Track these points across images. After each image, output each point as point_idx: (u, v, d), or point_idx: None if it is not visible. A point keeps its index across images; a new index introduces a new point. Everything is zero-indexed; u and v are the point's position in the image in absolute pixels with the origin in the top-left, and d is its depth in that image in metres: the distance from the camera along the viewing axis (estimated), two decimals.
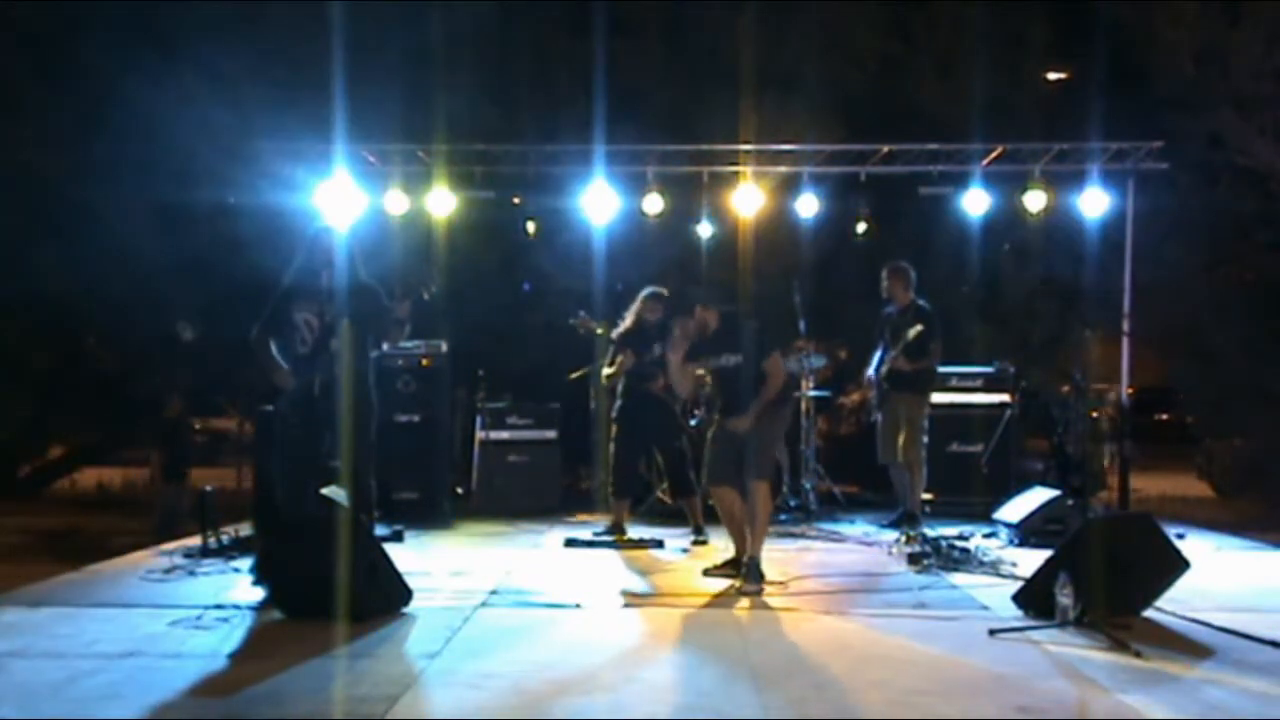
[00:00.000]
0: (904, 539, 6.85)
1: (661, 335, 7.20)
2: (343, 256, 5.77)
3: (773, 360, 5.81)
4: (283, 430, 5.75)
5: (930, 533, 6.83)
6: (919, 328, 7.49)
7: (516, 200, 9.19)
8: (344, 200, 8.60)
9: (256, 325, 5.70)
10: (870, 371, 7.92)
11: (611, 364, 7.31)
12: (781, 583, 5.71)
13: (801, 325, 8.45)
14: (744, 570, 5.66)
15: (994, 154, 8.75)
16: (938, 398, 8.12)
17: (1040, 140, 8.80)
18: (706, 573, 5.97)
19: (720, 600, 5.35)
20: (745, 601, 5.32)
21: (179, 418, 8.04)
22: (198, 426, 14.72)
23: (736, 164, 8.89)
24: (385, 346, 6.25)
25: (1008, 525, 7.11)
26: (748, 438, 5.72)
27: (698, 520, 7.22)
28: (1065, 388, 8.60)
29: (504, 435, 8.78)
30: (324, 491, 5.41)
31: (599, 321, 7.66)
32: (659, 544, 6.99)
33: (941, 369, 8.10)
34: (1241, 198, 9.28)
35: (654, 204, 8.85)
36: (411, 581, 5.15)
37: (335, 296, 5.70)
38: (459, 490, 8.96)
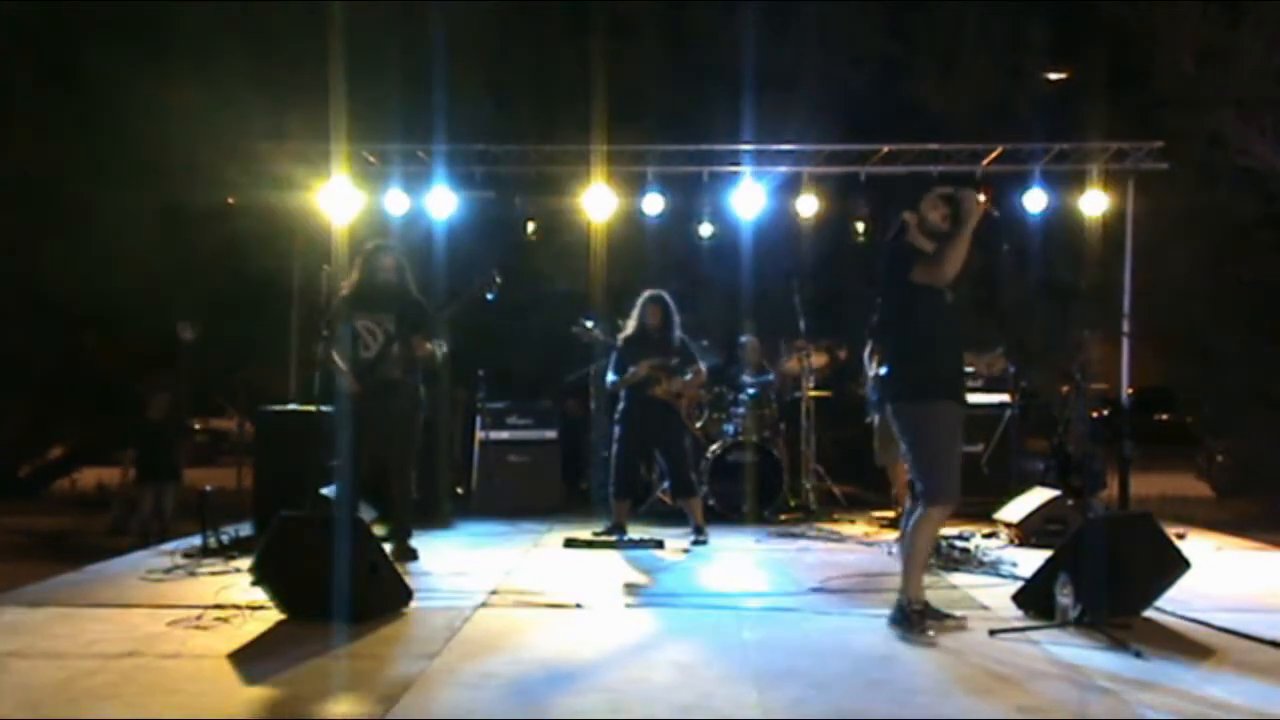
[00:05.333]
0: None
1: (662, 339, 7.20)
2: (397, 270, 6.38)
3: None
4: (343, 429, 6.04)
5: None
6: None
7: (517, 200, 9.19)
8: (344, 200, 8.60)
9: (320, 338, 6.14)
10: (871, 373, 7.90)
11: (619, 371, 7.24)
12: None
13: (801, 325, 8.46)
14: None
15: (994, 154, 8.75)
16: None
17: (1040, 140, 8.80)
18: None
19: (720, 600, 5.34)
20: (745, 602, 5.31)
21: (165, 419, 7.92)
22: (198, 426, 14.71)
23: (736, 164, 8.89)
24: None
25: (1008, 525, 7.11)
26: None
27: (698, 520, 7.22)
28: (1065, 388, 8.59)
29: (504, 435, 8.79)
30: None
31: (600, 328, 7.66)
32: (659, 544, 6.99)
33: None
34: (1241, 198, 9.28)
35: (654, 204, 8.85)
36: (411, 581, 5.16)
37: (391, 307, 6.25)
38: (459, 490, 8.96)
